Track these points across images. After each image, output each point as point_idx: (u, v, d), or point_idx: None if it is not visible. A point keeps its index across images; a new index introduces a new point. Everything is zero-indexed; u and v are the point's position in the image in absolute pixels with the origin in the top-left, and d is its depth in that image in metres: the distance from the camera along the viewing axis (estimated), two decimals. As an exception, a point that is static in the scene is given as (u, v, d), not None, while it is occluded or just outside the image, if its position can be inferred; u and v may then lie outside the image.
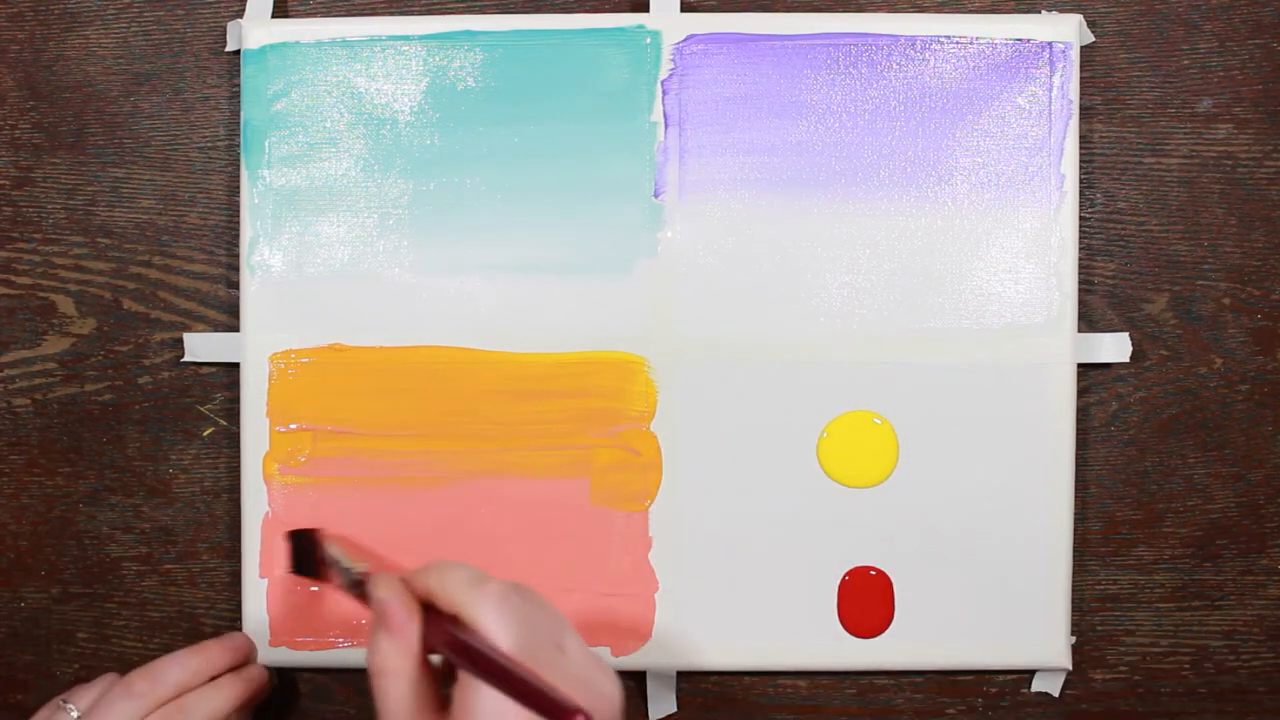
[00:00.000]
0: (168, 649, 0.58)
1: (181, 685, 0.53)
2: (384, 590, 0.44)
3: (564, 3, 0.60)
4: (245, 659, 0.57)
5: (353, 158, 0.58)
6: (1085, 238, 0.59)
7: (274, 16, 0.58)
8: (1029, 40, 0.57)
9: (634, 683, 0.60)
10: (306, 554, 0.50)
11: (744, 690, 0.61)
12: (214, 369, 0.60)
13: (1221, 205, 0.59)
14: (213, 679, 0.55)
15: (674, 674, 0.59)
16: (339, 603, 0.57)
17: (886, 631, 0.58)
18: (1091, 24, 0.58)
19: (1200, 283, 0.60)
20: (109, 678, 0.54)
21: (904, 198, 0.57)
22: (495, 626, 0.41)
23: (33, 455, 0.60)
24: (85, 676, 0.59)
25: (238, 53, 0.58)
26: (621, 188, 0.57)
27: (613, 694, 0.43)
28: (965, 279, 0.57)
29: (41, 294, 0.60)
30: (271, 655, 0.58)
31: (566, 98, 0.57)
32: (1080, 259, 0.58)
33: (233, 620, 0.60)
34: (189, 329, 0.60)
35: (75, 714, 0.53)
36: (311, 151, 0.58)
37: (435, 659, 0.44)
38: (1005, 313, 0.57)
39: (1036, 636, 0.58)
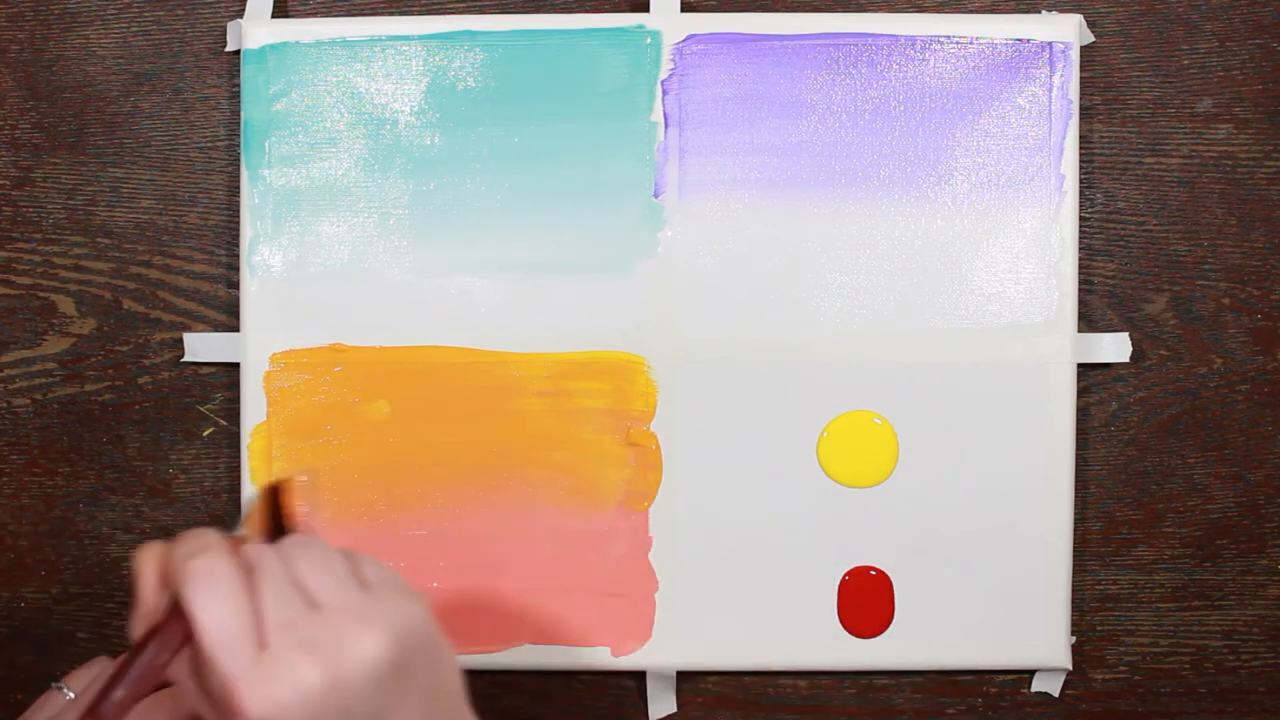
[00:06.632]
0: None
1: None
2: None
3: (564, 3, 0.60)
4: None
5: (353, 158, 0.58)
6: (1085, 238, 0.59)
7: (274, 16, 0.58)
8: (1029, 40, 0.57)
9: (634, 682, 0.60)
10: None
11: (744, 690, 0.61)
12: (214, 369, 0.60)
13: (1221, 205, 0.59)
14: None
15: (674, 674, 0.59)
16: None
17: (886, 631, 0.58)
18: (1091, 24, 0.58)
19: (1200, 283, 0.60)
20: (101, 660, 0.54)
21: (904, 198, 0.57)
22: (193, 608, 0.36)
23: (33, 455, 0.60)
24: (85, 676, 0.59)
25: (238, 53, 0.58)
26: (621, 188, 0.57)
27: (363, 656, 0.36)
28: (965, 279, 0.57)
29: (41, 294, 0.60)
30: (271, 655, 0.58)
31: (567, 98, 0.57)
32: (1080, 259, 0.58)
33: (233, 620, 0.60)
34: (189, 329, 0.60)
35: (70, 695, 0.53)
36: (311, 151, 0.58)
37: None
38: (1005, 313, 0.57)
39: (1036, 636, 0.58)
